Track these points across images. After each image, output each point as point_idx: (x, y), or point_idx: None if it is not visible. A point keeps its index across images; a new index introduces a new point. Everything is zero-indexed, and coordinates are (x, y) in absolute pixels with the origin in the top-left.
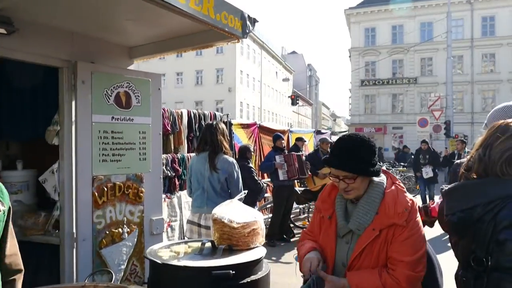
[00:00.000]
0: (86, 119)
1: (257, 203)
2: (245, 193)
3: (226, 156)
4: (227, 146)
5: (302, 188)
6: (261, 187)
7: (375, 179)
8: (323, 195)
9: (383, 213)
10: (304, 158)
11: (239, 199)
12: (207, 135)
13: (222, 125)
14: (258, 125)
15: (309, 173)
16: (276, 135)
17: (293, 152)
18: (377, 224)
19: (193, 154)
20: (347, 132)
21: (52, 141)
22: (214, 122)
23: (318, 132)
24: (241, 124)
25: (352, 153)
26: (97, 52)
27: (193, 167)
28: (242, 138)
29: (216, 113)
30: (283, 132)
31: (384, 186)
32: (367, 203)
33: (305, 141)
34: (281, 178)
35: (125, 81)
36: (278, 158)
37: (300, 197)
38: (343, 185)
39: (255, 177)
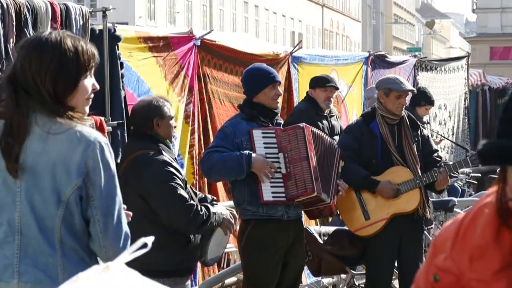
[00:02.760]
0: None
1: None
2: (146, 245)
3: (72, 124)
4: (72, 98)
5: (329, 229)
6: (200, 218)
7: None
8: (471, 242)
9: None
10: (331, 140)
11: (129, 263)
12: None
13: (64, 44)
14: (197, 41)
15: (338, 182)
16: (251, 71)
17: (303, 124)
18: None
19: None
20: None
21: None
22: (39, 38)
23: (377, 61)
24: (147, 39)
25: None
26: None
27: None
28: (149, 79)
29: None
30: (274, 61)
31: None
32: None
33: (338, 88)
34: (265, 197)
35: None
36: (260, 136)
37: (325, 256)
38: None
39: (181, 191)
